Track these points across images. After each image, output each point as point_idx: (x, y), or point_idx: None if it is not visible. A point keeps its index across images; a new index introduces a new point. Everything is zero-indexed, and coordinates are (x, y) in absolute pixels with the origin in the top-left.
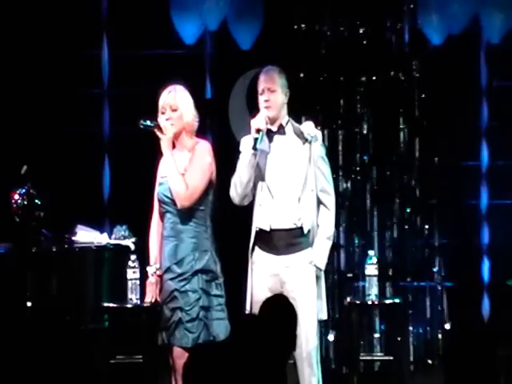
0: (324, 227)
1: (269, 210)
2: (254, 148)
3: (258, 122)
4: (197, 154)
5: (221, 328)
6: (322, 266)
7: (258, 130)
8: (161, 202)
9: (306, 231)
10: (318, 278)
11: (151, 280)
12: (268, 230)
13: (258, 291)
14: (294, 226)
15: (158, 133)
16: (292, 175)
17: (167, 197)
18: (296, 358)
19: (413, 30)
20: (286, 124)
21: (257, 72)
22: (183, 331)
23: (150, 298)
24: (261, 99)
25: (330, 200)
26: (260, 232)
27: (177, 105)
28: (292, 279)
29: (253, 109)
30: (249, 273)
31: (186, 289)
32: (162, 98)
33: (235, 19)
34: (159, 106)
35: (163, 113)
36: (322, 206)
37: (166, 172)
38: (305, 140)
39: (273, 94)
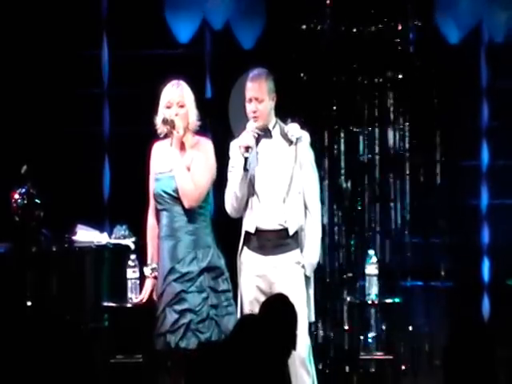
0: (311, 234)
1: (255, 212)
2: (245, 169)
3: (247, 139)
4: (201, 152)
5: (231, 323)
6: (311, 274)
7: (247, 148)
8: (158, 198)
9: (291, 233)
10: (307, 279)
11: (148, 282)
12: (253, 232)
13: (246, 291)
14: (280, 228)
15: (173, 130)
16: (277, 177)
17: (166, 192)
18: (289, 361)
19: (413, 31)
20: (273, 127)
21: (244, 76)
22: (194, 333)
23: (141, 297)
24: (248, 108)
25: (315, 206)
26: (248, 233)
27: (184, 101)
28: (280, 279)
29: None
30: (238, 274)
31: (193, 289)
32: (167, 92)
33: (238, 18)
34: (164, 99)
35: (169, 107)
36: (307, 212)
37: (175, 171)
38: (290, 141)
39: (261, 103)
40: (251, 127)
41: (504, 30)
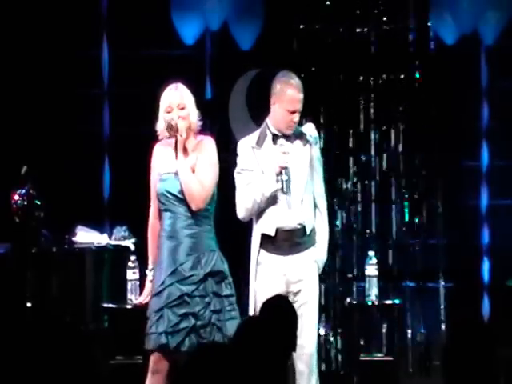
0: (322, 231)
1: (274, 215)
2: (284, 192)
3: (284, 161)
4: (204, 152)
5: (234, 328)
6: (320, 271)
7: (284, 169)
8: (162, 198)
9: (308, 231)
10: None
11: (149, 285)
12: (273, 234)
13: (264, 293)
14: (298, 227)
15: (177, 134)
16: (296, 178)
17: (171, 193)
18: (295, 357)
19: (413, 31)
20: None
21: (281, 80)
22: (196, 338)
23: (142, 299)
24: (288, 118)
25: (324, 203)
26: (265, 236)
27: (184, 103)
28: (300, 278)
29: (253, 109)
30: (252, 275)
31: (197, 294)
32: (166, 96)
33: (235, 19)
34: (164, 104)
35: (169, 112)
36: (317, 210)
37: (180, 175)
38: (306, 141)
39: (299, 113)
40: (282, 145)
41: (495, 32)
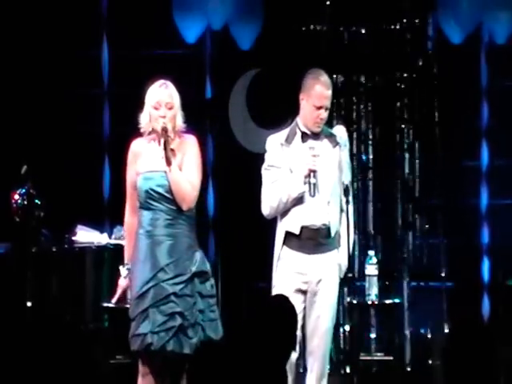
0: (346, 236)
1: (300, 214)
2: (312, 195)
3: (311, 164)
4: (190, 151)
5: (213, 328)
6: (342, 275)
7: (313, 172)
8: (145, 196)
9: (333, 233)
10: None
11: (121, 283)
12: (298, 232)
13: (281, 287)
14: (323, 227)
15: (167, 136)
16: (323, 178)
17: (156, 192)
18: (308, 356)
19: (413, 31)
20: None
21: (310, 76)
22: (183, 337)
23: (118, 296)
24: (316, 114)
25: (350, 209)
26: (289, 233)
27: (173, 103)
28: (319, 278)
29: (253, 109)
30: (274, 271)
31: (184, 293)
32: (155, 92)
33: (236, 19)
34: (152, 100)
35: (157, 108)
36: (343, 214)
37: (170, 174)
38: (335, 143)
39: (327, 111)
40: (313, 148)
41: (505, 31)
